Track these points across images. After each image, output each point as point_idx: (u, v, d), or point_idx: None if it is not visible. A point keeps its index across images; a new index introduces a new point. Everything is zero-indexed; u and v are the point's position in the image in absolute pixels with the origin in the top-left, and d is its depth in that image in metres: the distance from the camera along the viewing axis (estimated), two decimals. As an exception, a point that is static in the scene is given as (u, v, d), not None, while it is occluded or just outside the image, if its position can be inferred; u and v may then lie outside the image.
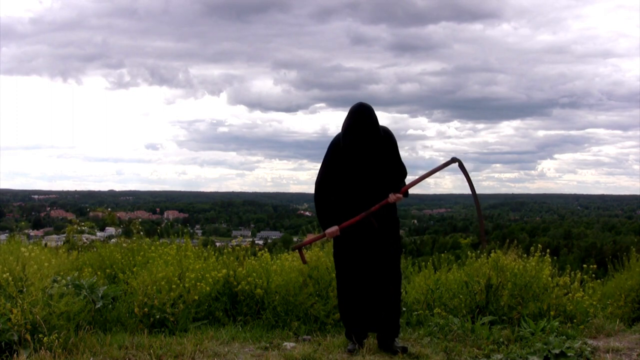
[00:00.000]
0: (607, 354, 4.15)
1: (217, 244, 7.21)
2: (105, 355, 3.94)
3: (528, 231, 52.06)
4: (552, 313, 5.13)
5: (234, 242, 5.86)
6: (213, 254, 5.61)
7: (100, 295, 4.62)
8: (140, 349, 4.07)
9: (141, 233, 6.35)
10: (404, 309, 5.30)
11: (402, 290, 5.20)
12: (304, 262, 4.56)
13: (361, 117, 4.03)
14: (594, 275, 5.74)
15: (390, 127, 4.28)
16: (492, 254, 5.46)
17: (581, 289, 5.49)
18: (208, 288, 5.03)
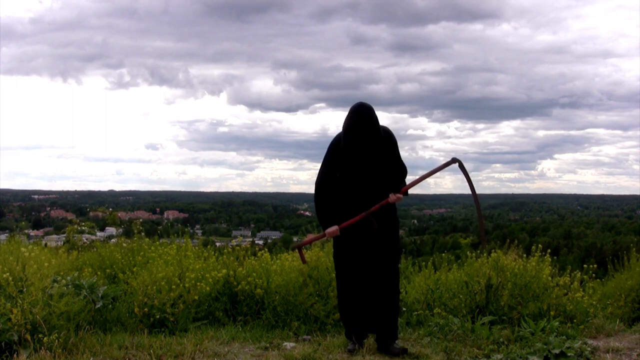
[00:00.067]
0: (607, 354, 4.15)
1: (217, 244, 7.21)
2: (105, 355, 3.94)
3: (528, 231, 52.08)
4: (552, 313, 5.13)
5: (234, 242, 5.86)
6: (213, 254, 5.61)
7: (100, 295, 4.62)
8: (140, 349, 4.07)
9: (142, 233, 6.34)
10: (403, 309, 5.30)
11: (401, 290, 5.21)
12: (304, 261, 4.56)
13: (361, 117, 4.03)
14: (594, 275, 5.74)
15: (390, 127, 4.28)
16: (492, 254, 5.46)
17: (581, 289, 5.49)
18: (208, 288, 5.03)
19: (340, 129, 4.17)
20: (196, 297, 4.94)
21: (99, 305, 4.58)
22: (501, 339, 4.47)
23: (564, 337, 4.39)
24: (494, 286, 5.31)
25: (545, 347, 4.13)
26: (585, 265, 5.66)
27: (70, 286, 4.45)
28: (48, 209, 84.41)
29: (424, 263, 6.08)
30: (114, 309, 4.77)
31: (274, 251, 6.23)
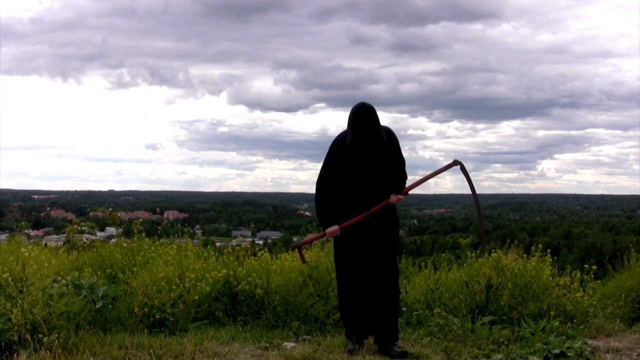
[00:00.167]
0: (607, 354, 4.15)
1: (217, 244, 7.21)
2: (105, 355, 3.94)
3: (528, 231, 52.06)
4: (552, 313, 5.12)
5: (234, 242, 5.86)
6: (213, 254, 5.61)
7: (100, 295, 4.62)
8: (140, 349, 4.07)
9: (142, 234, 6.34)
10: (403, 309, 5.30)
11: (401, 290, 5.21)
12: (303, 261, 4.56)
13: (363, 117, 4.03)
14: (593, 275, 5.74)
15: (390, 127, 4.28)
16: (493, 254, 5.46)
17: (581, 289, 5.49)
18: (208, 288, 5.03)
19: (340, 129, 4.19)
20: (196, 297, 4.94)
21: (99, 305, 4.58)
22: (501, 339, 4.47)
23: (564, 337, 4.39)
24: (494, 286, 5.31)
25: (545, 347, 4.13)
26: (585, 266, 5.67)
27: (70, 286, 4.45)
28: (48, 209, 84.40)
29: (424, 263, 6.08)
30: (114, 309, 4.77)
31: (274, 251, 6.23)
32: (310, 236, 4.98)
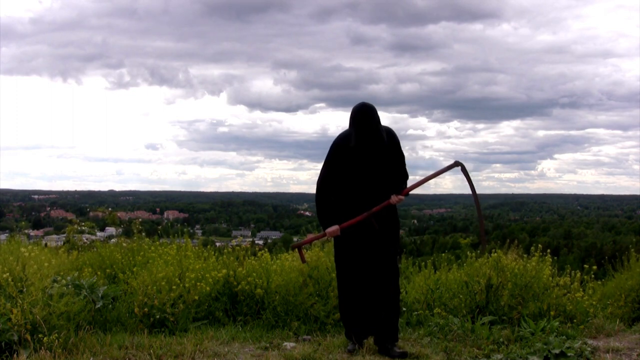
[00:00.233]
0: (607, 354, 4.15)
1: (217, 244, 7.21)
2: (105, 355, 3.94)
3: (528, 231, 52.04)
4: (552, 313, 5.13)
5: (234, 242, 5.86)
6: (213, 254, 5.62)
7: (100, 295, 4.63)
8: (140, 349, 4.07)
9: (142, 233, 6.34)
10: (403, 309, 5.30)
11: (401, 290, 5.21)
12: (303, 261, 4.56)
13: (364, 117, 4.03)
14: (593, 275, 5.74)
15: (390, 127, 4.28)
16: (493, 254, 5.46)
17: (581, 289, 5.49)
18: (208, 288, 5.03)
19: (340, 129, 4.20)
20: (196, 297, 4.94)
21: (99, 305, 4.58)
22: (501, 339, 4.47)
23: (564, 337, 4.39)
24: (494, 286, 5.31)
25: (545, 347, 4.13)
26: (585, 266, 5.67)
27: (70, 286, 4.45)
28: (48, 209, 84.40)
29: (423, 263, 6.08)
30: (114, 309, 4.77)
31: (274, 251, 6.24)
32: (310, 236, 4.99)
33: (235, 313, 5.17)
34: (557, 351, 4.07)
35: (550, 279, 5.41)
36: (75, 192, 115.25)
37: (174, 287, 4.86)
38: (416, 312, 5.31)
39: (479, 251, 5.72)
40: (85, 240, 7.79)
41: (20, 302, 3.95)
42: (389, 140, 4.18)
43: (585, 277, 5.60)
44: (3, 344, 3.84)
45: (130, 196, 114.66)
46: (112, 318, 4.69)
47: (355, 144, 4.08)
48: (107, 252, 5.99)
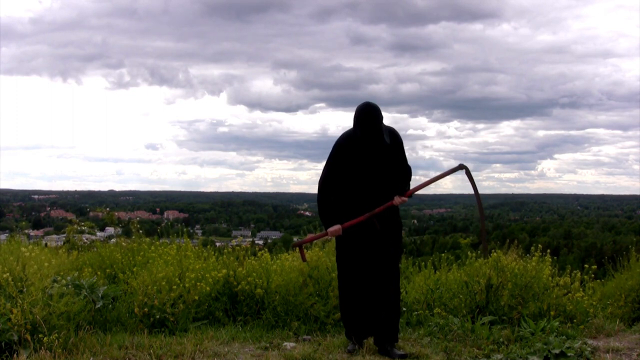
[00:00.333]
0: (607, 354, 4.15)
1: (217, 244, 7.20)
2: (105, 355, 3.94)
3: (528, 231, 51.98)
4: (552, 313, 5.13)
5: (234, 242, 5.86)
6: (213, 254, 5.62)
7: (100, 295, 4.62)
8: (140, 349, 4.07)
9: (140, 232, 6.34)
10: (404, 309, 5.30)
11: (401, 290, 5.21)
12: (304, 260, 4.56)
13: (368, 116, 4.03)
14: (593, 275, 5.74)
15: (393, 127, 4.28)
16: (493, 254, 5.46)
17: (581, 289, 5.49)
18: (208, 288, 5.03)
19: (340, 129, 4.21)
20: (196, 297, 4.94)
21: (99, 305, 4.58)
22: (501, 339, 4.47)
23: (564, 337, 4.39)
24: (494, 286, 5.31)
25: (545, 347, 4.13)
26: (585, 266, 5.67)
27: (70, 286, 4.45)
28: (48, 209, 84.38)
29: (423, 263, 6.08)
30: (114, 309, 4.77)
31: (274, 251, 6.24)
32: (311, 235, 4.99)
33: (235, 313, 5.17)
34: (557, 351, 4.07)
35: (550, 279, 5.41)
36: (75, 192, 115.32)
37: (174, 287, 4.86)
38: (416, 312, 5.31)
39: (479, 251, 5.72)
40: (85, 240, 7.79)
41: (20, 302, 3.95)
42: (392, 141, 4.17)
43: (585, 277, 5.60)
44: (3, 344, 3.84)
45: (130, 196, 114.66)
46: (112, 318, 4.69)
47: (359, 144, 4.08)
48: (107, 252, 5.99)
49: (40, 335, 3.85)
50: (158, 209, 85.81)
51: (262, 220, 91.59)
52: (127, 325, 4.65)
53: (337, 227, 4.18)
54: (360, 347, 4.23)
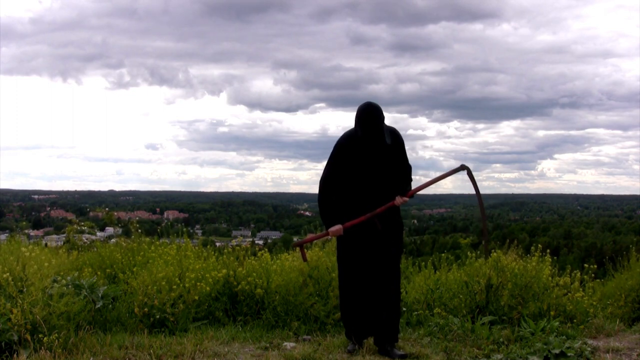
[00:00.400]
0: (607, 354, 4.15)
1: (217, 244, 7.21)
2: (105, 355, 3.94)
3: (528, 231, 51.98)
4: (552, 313, 5.13)
5: (234, 242, 5.86)
6: (213, 254, 5.62)
7: (100, 295, 4.62)
8: (140, 349, 4.07)
9: (140, 232, 6.34)
10: (404, 309, 5.30)
11: (402, 290, 5.21)
12: (305, 259, 4.56)
13: (370, 116, 4.03)
14: (593, 275, 5.74)
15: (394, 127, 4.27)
16: (493, 254, 5.47)
17: (581, 289, 5.49)
18: (208, 288, 5.03)
19: (340, 129, 4.22)
20: (196, 297, 4.94)
21: (99, 305, 4.58)
22: (501, 339, 4.47)
23: (564, 337, 4.39)
24: (494, 286, 5.31)
25: (545, 347, 4.13)
26: (585, 266, 5.67)
27: (70, 286, 4.45)
28: (48, 209, 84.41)
29: (423, 263, 6.08)
30: (114, 309, 4.77)
31: (274, 251, 6.24)
32: (312, 235, 4.99)
33: (235, 313, 5.17)
34: (557, 351, 4.07)
35: (550, 279, 5.41)
36: (75, 192, 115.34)
37: (174, 287, 4.86)
38: (416, 312, 5.31)
39: (479, 252, 5.72)
40: (85, 240, 7.79)
41: (20, 302, 3.95)
42: (393, 141, 4.17)
43: (585, 277, 5.60)
44: (3, 344, 3.84)
45: (130, 196, 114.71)
46: (112, 318, 4.69)
47: (360, 144, 4.08)
48: (107, 252, 5.99)
49: (40, 335, 3.85)
50: (158, 209, 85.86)
51: (262, 220, 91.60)
52: (127, 325, 4.65)
53: (338, 227, 4.18)
54: (360, 347, 4.23)
